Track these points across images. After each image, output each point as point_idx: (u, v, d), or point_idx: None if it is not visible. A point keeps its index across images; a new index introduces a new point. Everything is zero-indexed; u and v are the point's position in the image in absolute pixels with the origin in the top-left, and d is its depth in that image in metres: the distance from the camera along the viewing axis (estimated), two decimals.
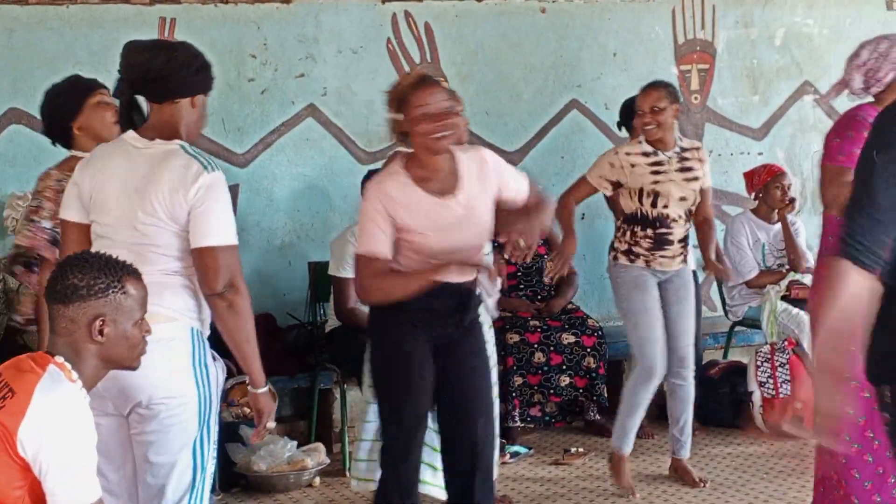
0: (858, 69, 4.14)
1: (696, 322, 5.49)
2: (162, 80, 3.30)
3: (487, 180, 3.87)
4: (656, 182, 5.18)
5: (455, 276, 3.78)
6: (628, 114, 5.83)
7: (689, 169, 5.23)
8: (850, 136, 4.03)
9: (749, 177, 6.56)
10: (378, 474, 4.03)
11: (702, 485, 5.36)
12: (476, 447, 3.93)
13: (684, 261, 5.30)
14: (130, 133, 3.37)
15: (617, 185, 5.24)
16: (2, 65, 5.83)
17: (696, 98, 7.17)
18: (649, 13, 7.05)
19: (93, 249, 3.16)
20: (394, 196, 3.80)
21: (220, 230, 3.25)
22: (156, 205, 3.22)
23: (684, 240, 5.28)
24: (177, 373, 3.22)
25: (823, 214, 4.25)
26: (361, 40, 6.51)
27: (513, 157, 6.48)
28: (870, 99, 4.18)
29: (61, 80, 4.02)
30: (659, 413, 5.92)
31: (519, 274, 6.37)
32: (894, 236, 2.50)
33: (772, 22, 7.32)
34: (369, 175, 5.89)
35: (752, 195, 6.55)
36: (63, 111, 3.91)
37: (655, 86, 5.25)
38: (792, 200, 6.49)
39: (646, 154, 5.20)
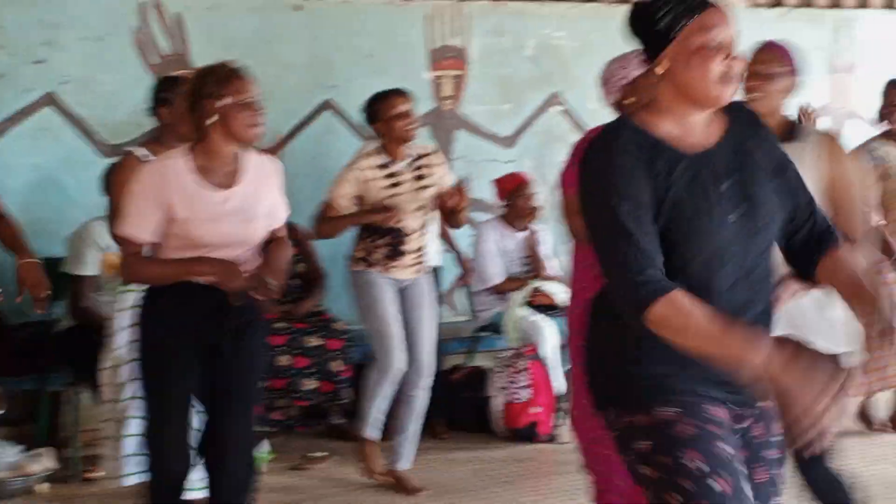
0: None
1: (435, 329, 5.47)
2: None
3: (268, 191, 3.87)
4: (392, 196, 5.19)
5: (212, 279, 3.72)
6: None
7: (423, 177, 5.27)
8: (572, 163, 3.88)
9: (498, 184, 6.67)
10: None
11: (418, 494, 5.28)
12: (236, 444, 3.86)
13: (421, 270, 5.33)
14: None
15: (360, 199, 5.24)
16: None
17: (448, 104, 7.22)
18: (403, 17, 7.05)
19: None
20: (170, 181, 3.72)
21: None
22: None
23: (420, 250, 5.31)
24: None
25: (573, 242, 4.07)
26: (107, 28, 6.27)
27: None
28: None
29: None
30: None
31: None
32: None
33: (524, 33, 7.44)
34: (111, 168, 5.67)
35: (501, 202, 6.65)
36: None
37: (402, 93, 5.28)
38: (537, 209, 6.62)
39: (380, 166, 5.22)
